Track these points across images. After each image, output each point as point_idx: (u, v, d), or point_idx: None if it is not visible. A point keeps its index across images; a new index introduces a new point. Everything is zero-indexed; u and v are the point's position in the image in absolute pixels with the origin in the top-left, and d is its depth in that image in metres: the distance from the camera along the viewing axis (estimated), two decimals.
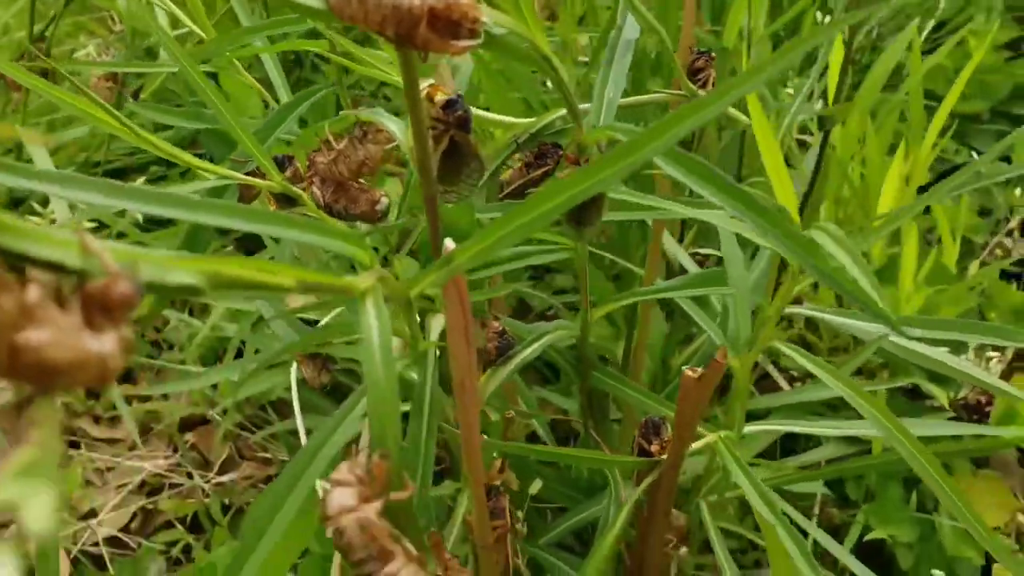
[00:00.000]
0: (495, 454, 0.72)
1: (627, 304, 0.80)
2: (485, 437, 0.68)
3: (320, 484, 0.41)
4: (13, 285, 0.25)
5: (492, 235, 0.49)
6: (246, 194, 0.72)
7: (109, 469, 1.20)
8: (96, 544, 1.07)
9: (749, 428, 0.85)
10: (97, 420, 1.26)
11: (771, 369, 1.10)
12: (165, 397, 1.25)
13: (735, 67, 1.09)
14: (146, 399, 1.23)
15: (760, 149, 0.55)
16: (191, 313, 1.29)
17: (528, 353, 0.72)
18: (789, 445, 1.14)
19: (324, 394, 0.97)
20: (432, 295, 0.67)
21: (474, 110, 0.72)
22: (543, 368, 1.23)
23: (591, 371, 0.80)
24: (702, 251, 0.99)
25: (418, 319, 0.62)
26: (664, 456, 0.70)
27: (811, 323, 1.16)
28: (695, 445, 0.74)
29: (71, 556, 1.05)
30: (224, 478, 1.15)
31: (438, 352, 0.62)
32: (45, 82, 0.69)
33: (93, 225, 1.12)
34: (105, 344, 0.27)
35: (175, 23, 1.04)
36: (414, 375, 0.62)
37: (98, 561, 1.05)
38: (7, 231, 0.26)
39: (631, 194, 0.69)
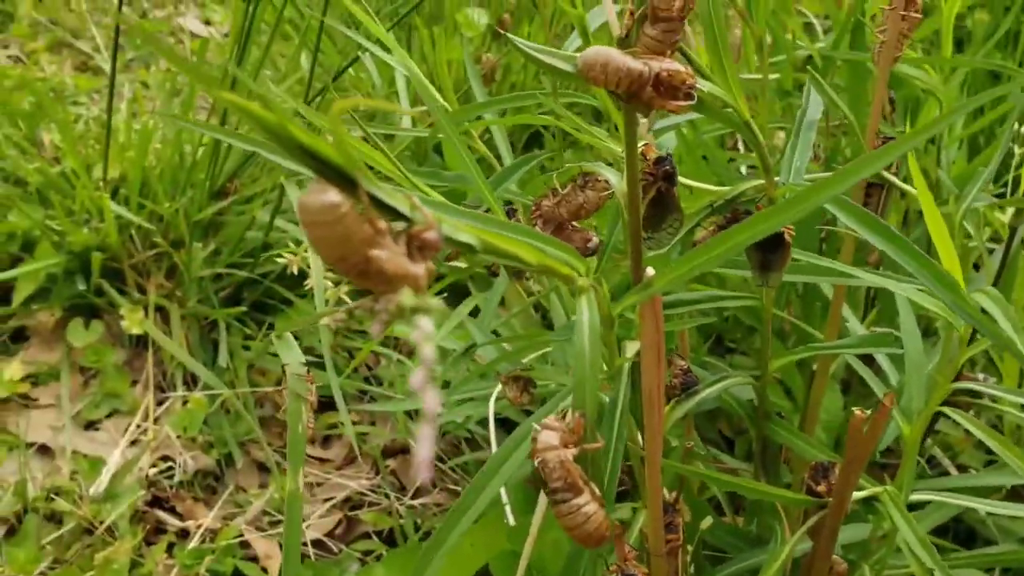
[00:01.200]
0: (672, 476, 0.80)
1: (802, 368, 0.86)
2: (668, 462, 0.76)
3: (533, 426, 0.51)
4: (374, 220, 0.37)
5: (686, 264, 0.59)
6: None
7: (319, 484, 1.34)
8: (304, 544, 1.21)
9: (918, 496, 0.88)
10: (313, 441, 1.41)
11: (938, 452, 1.12)
12: (373, 424, 1.39)
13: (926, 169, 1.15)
14: (355, 423, 1.37)
15: (925, 218, 0.62)
16: (401, 351, 1.44)
17: (710, 392, 0.80)
18: (962, 537, 1.14)
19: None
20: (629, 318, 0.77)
21: (687, 181, 0.83)
22: (720, 440, 1.29)
23: (767, 421, 0.87)
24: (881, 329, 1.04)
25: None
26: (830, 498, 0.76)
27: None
28: (861, 494, 0.79)
29: (282, 550, 1.19)
30: (417, 502, 1.27)
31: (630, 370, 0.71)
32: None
33: None
34: (418, 268, 0.38)
35: (414, 101, 1.21)
36: (605, 398, 0.71)
37: (303, 557, 1.19)
38: (377, 188, 0.38)
39: (812, 256, 0.77)
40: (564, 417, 0.50)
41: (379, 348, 1.45)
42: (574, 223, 0.75)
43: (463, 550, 0.86)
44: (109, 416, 1.36)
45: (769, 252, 0.66)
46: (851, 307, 1.06)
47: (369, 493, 1.30)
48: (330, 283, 1.23)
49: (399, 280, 0.38)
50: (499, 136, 1.04)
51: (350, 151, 0.34)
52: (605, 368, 0.72)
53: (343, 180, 0.36)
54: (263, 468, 1.34)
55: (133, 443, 1.31)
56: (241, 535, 1.19)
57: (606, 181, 0.70)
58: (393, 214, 0.38)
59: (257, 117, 0.32)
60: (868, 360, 1.00)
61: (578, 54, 0.56)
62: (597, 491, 0.49)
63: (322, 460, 1.38)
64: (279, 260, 1.26)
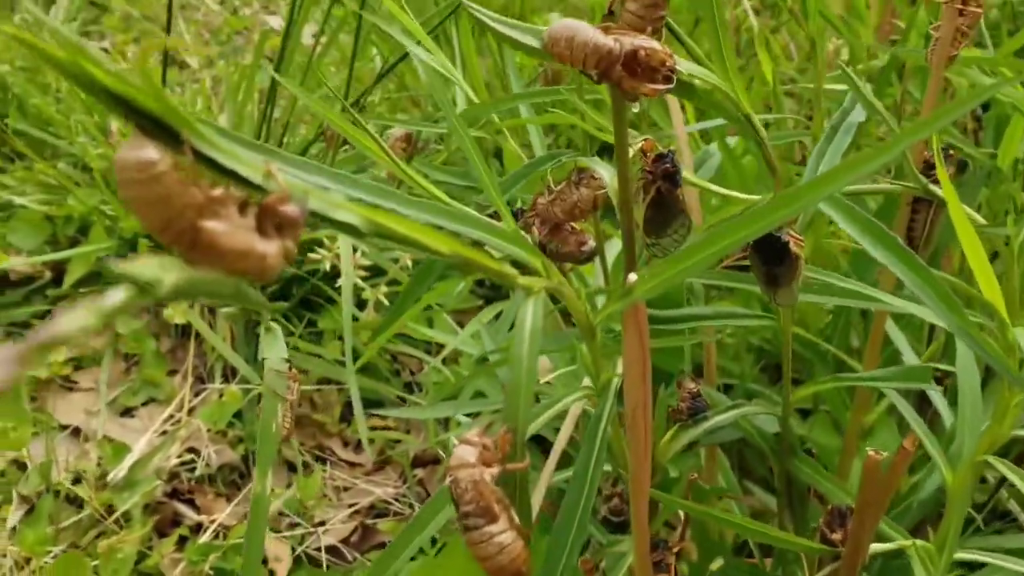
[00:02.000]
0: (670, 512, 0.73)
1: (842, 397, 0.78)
2: (662, 494, 0.69)
3: (451, 439, 0.45)
4: (206, 183, 0.32)
5: (670, 268, 0.52)
6: None
7: (345, 489, 1.31)
8: (318, 549, 1.17)
9: (968, 555, 0.79)
10: (346, 443, 1.38)
11: (1015, 507, 1.01)
12: (408, 431, 1.35)
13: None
14: (388, 429, 1.33)
15: (959, 236, 0.54)
16: (444, 361, 1.39)
17: (721, 420, 0.73)
18: None
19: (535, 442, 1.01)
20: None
21: (714, 187, 0.75)
22: (770, 477, 1.20)
23: (790, 456, 0.79)
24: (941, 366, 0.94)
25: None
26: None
27: None
28: (883, 547, 0.70)
29: (295, 554, 1.15)
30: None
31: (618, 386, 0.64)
32: (355, 129, 0.81)
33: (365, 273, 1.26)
34: (269, 248, 0.33)
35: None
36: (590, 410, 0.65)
37: (315, 563, 1.15)
38: (214, 147, 0.33)
39: (843, 280, 0.69)
40: (486, 430, 0.44)
41: (423, 355, 1.41)
42: (572, 224, 0.69)
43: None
44: (145, 404, 1.36)
45: (774, 264, 0.58)
46: (913, 339, 0.97)
47: (393, 502, 1.26)
48: (359, 281, 1.19)
49: (240, 259, 0.32)
50: (536, 137, 0.98)
51: (168, 100, 0.29)
52: (590, 384, 0.65)
53: (165, 134, 0.31)
54: (292, 468, 1.31)
55: (163, 433, 1.30)
56: None
57: (600, 178, 0.63)
58: (241, 181, 0.33)
59: (48, 55, 0.28)
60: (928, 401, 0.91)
61: (545, 28, 0.50)
62: (517, 519, 0.43)
63: (352, 464, 1.35)
64: (312, 256, 1.24)
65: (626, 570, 0.70)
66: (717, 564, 0.78)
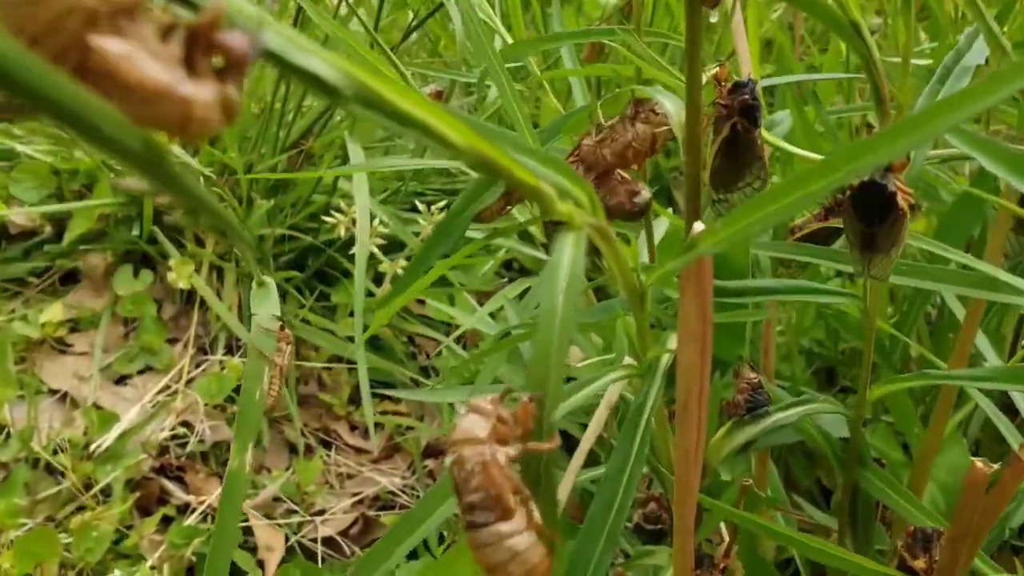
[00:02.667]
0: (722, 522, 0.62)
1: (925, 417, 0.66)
2: (713, 500, 0.58)
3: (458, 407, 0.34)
4: None
5: (747, 216, 0.41)
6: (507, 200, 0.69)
7: (350, 476, 1.20)
8: (315, 540, 1.06)
9: None
10: (353, 428, 1.27)
11: None
12: (421, 418, 1.24)
13: None
14: (399, 414, 1.23)
15: None
16: (464, 345, 1.29)
17: (783, 417, 0.61)
18: None
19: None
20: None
21: (786, 145, 0.64)
22: (815, 490, 1.08)
23: (859, 466, 0.67)
24: None
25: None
26: None
27: None
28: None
29: (288, 543, 1.05)
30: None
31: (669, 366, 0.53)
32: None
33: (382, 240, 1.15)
34: (199, 92, 0.22)
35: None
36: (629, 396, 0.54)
37: (310, 555, 1.05)
38: None
39: (941, 247, 0.57)
40: (504, 399, 0.33)
41: (441, 337, 1.30)
42: (622, 173, 0.58)
43: None
44: (141, 372, 1.26)
45: (874, 222, 0.47)
46: (995, 341, 0.85)
47: (400, 493, 1.15)
48: (376, 251, 1.09)
49: (152, 100, 0.22)
50: (579, 88, 0.87)
51: None
52: (634, 362, 0.54)
53: None
54: (294, 450, 1.21)
55: (157, 404, 1.20)
56: (245, 519, 1.06)
57: (663, 112, 0.52)
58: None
59: None
60: (1011, 412, 0.79)
61: None
62: (537, 515, 0.32)
63: (358, 450, 1.24)
64: (327, 219, 1.13)
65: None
66: None
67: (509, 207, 0.72)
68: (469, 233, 1.25)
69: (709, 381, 0.63)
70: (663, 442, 0.59)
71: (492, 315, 1.10)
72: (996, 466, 0.50)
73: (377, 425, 1.26)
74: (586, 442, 0.62)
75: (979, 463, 0.49)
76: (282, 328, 0.65)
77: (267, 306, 0.65)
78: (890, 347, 0.96)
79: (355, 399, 1.28)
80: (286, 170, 1.39)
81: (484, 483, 0.31)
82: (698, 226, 0.45)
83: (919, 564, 0.56)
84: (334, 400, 1.26)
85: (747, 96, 0.50)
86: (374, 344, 1.29)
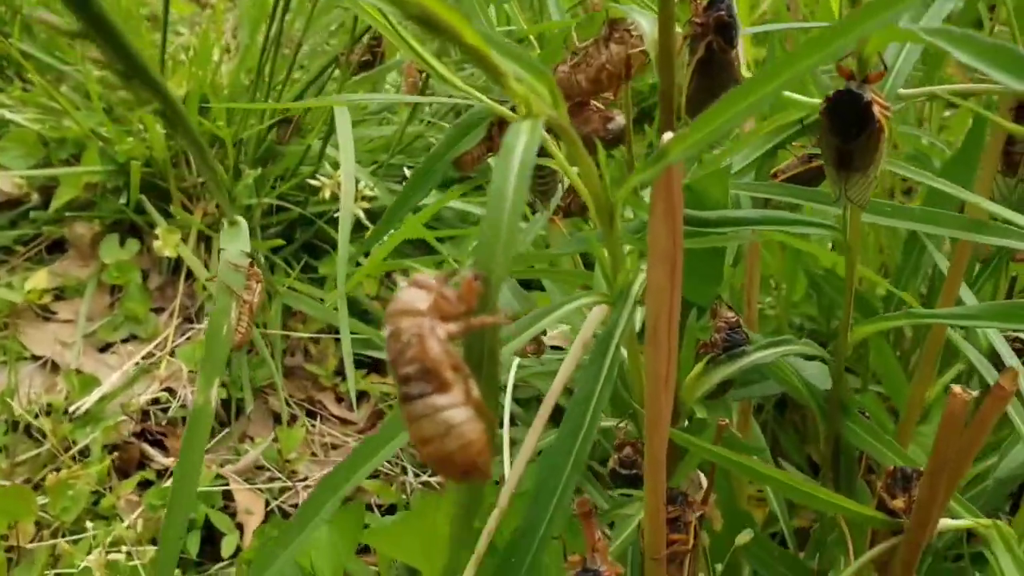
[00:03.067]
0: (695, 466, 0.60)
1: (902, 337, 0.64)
2: (686, 436, 0.56)
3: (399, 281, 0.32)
4: None
5: (713, 120, 0.40)
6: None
7: (334, 447, 1.19)
8: (295, 505, 1.05)
9: None
10: (339, 399, 1.26)
11: None
12: None
13: None
14: (388, 385, 1.21)
15: None
16: None
17: (760, 357, 0.60)
18: None
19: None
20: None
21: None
22: (805, 466, 1.06)
23: (841, 415, 0.66)
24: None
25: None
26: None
27: None
28: (955, 523, 0.57)
29: (268, 507, 1.04)
30: (434, 479, 1.09)
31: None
32: None
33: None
34: None
35: None
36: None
37: (287, 517, 1.03)
38: None
39: (932, 180, 0.56)
40: (450, 280, 0.32)
41: None
42: (599, 105, 0.56)
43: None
44: (126, 341, 1.25)
45: (849, 135, 0.46)
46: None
47: (384, 464, 1.14)
48: (363, 216, 1.07)
49: None
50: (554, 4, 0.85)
51: None
52: (605, 288, 0.53)
53: None
54: (279, 420, 1.20)
55: (140, 369, 1.19)
56: (225, 484, 1.04)
57: (639, 32, 0.51)
58: None
59: None
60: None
61: None
62: (476, 391, 0.30)
63: (344, 421, 1.23)
64: (312, 183, 1.12)
65: (635, 527, 0.58)
66: (745, 537, 0.65)
67: (491, 152, 0.71)
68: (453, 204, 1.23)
69: (682, 321, 0.62)
70: (636, 377, 0.57)
71: None
72: (976, 393, 0.48)
73: (364, 396, 1.25)
74: (555, 387, 0.60)
75: (958, 389, 0.47)
76: (251, 265, 0.63)
77: (237, 243, 0.64)
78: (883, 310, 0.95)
79: (342, 371, 1.27)
80: (275, 142, 1.37)
81: (419, 354, 0.30)
82: (667, 136, 0.44)
83: (898, 504, 0.55)
84: (320, 371, 1.25)
85: (723, 12, 0.48)
86: (362, 316, 1.27)
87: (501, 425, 0.84)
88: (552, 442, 0.49)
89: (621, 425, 0.65)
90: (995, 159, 0.60)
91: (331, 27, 1.49)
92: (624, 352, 0.59)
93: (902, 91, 0.59)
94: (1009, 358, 0.61)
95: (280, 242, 1.28)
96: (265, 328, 1.25)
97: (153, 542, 0.97)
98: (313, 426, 1.20)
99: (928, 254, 0.88)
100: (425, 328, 0.30)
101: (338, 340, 1.29)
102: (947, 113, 1.42)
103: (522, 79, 0.35)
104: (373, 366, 1.26)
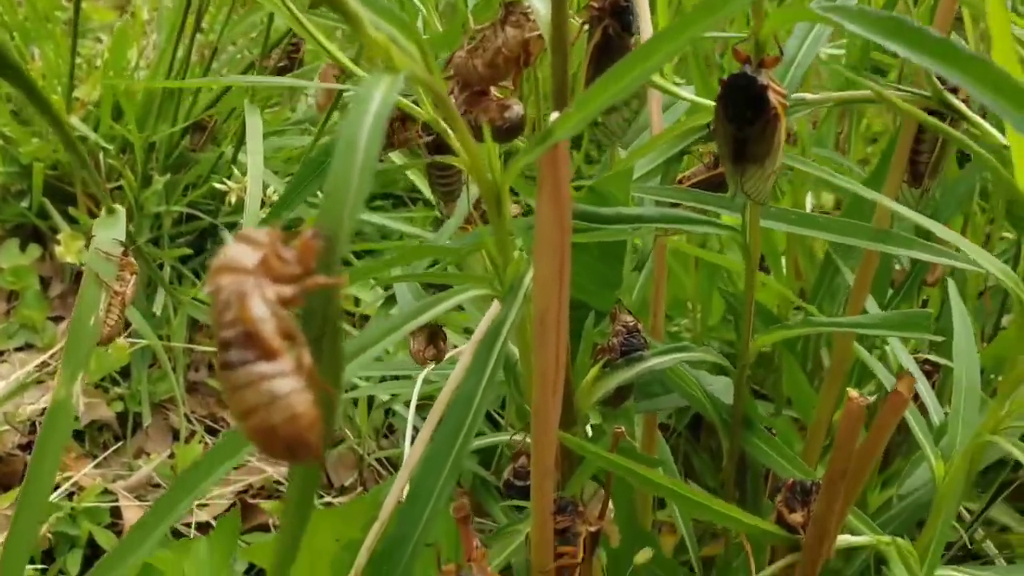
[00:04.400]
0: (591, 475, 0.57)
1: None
2: (578, 440, 0.53)
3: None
4: None
5: (598, 96, 0.38)
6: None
7: (236, 467, 1.14)
8: (188, 524, 1.00)
9: (946, 572, 0.64)
10: None
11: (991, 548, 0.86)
12: None
13: None
14: None
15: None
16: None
17: (659, 362, 0.58)
18: None
19: None
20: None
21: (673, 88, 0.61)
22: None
23: (743, 429, 0.63)
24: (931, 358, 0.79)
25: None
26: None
27: None
28: (853, 540, 0.55)
29: None
30: (336, 500, 1.05)
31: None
32: None
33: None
34: None
35: None
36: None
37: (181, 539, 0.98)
38: None
39: (847, 183, 0.54)
40: (287, 238, 0.29)
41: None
42: (498, 94, 0.54)
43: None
44: (20, 349, 1.19)
45: (744, 123, 0.44)
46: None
47: (286, 483, 1.09)
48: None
49: None
50: None
51: None
52: (497, 282, 0.50)
53: None
54: (177, 437, 1.14)
55: (34, 381, 1.12)
56: (115, 500, 0.99)
57: (532, 16, 0.49)
58: None
59: None
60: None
61: None
62: (308, 361, 0.27)
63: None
64: (218, 187, 1.08)
65: (523, 540, 0.55)
66: (644, 556, 0.62)
67: (390, 147, 0.68)
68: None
69: (577, 328, 0.59)
70: (528, 378, 0.54)
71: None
72: (872, 399, 0.46)
73: None
74: (449, 387, 0.57)
75: (854, 394, 0.45)
76: (125, 253, 0.59)
77: (111, 231, 0.60)
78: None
79: None
80: (188, 149, 1.33)
81: (241, 316, 0.27)
82: (554, 115, 0.42)
83: (796, 518, 0.52)
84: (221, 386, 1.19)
85: None
86: None
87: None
88: (430, 445, 0.46)
89: (519, 437, 0.62)
90: (901, 170, 0.59)
91: (252, 34, 1.45)
92: (516, 352, 0.57)
93: (808, 96, 0.57)
94: (912, 368, 0.59)
95: (187, 251, 1.23)
96: (168, 341, 1.19)
97: (31, 560, 0.91)
98: (214, 443, 1.14)
99: (843, 276, 0.87)
100: (249, 287, 0.27)
101: None
102: (869, 149, 1.43)
103: (381, 28, 0.33)
104: None
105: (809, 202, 1.19)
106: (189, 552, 0.67)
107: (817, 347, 0.95)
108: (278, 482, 1.10)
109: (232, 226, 1.30)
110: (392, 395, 1.00)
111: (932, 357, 0.79)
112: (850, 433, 0.46)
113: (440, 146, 0.68)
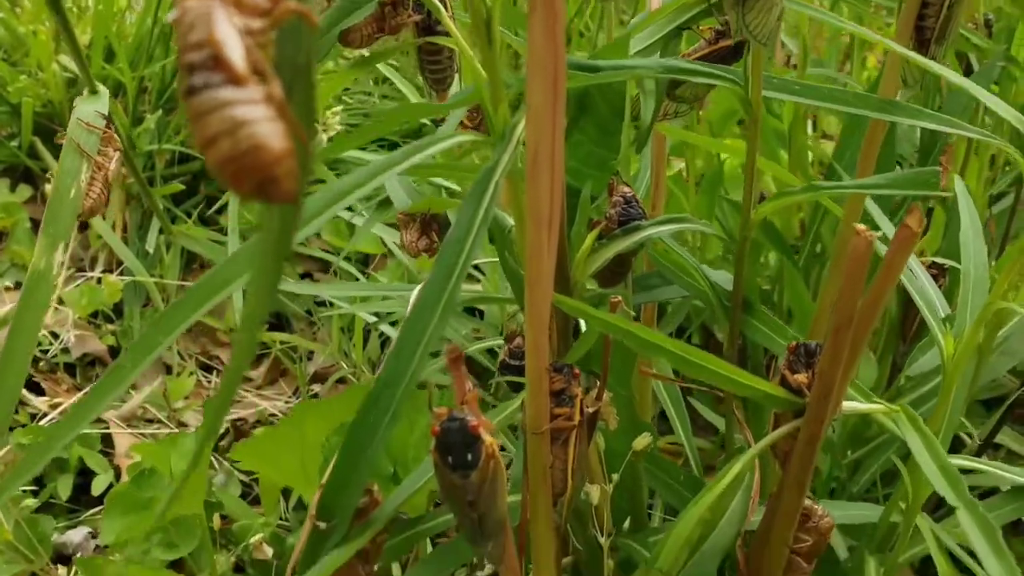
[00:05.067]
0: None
1: None
2: (574, 302, 0.52)
3: None
4: None
5: None
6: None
7: (234, 402, 1.12)
8: None
9: (959, 461, 0.62)
10: None
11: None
12: (311, 355, 1.16)
13: None
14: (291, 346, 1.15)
15: None
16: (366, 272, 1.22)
17: (656, 232, 0.56)
18: None
19: None
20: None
21: None
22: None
23: (743, 312, 0.62)
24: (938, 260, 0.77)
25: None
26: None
27: None
28: (857, 406, 0.53)
29: None
30: None
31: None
32: None
33: None
34: None
35: None
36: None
37: None
38: None
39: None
40: None
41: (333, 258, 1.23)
42: None
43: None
44: (10, 290, 1.17)
45: None
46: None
47: (280, 415, 1.07)
48: None
49: None
50: None
51: None
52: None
53: None
54: (170, 372, 1.12)
55: None
56: (106, 427, 0.97)
57: None
58: None
59: None
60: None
61: None
62: (280, 95, 0.25)
63: (245, 378, 1.16)
64: None
65: (518, 404, 0.53)
66: (643, 442, 0.61)
67: (381, 32, 0.66)
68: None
69: (573, 203, 0.57)
70: (522, 244, 0.52)
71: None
72: (880, 233, 0.44)
73: (264, 354, 1.18)
74: None
75: (861, 227, 0.43)
76: (108, 126, 0.58)
77: (94, 105, 0.58)
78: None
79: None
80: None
81: (206, 37, 0.25)
82: None
83: (800, 379, 0.51)
84: (218, 324, 1.18)
85: None
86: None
87: None
88: (425, 285, 0.44)
89: (512, 315, 0.61)
90: (907, 36, 0.57)
91: None
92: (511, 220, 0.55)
93: None
94: (917, 269, 0.57)
95: (179, 187, 1.22)
96: (161, 278, 1.18)
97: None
98: (208, 380, 1.13)
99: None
100: (216, 9, 0.25)
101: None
102: None
103: None
104: (275, 323, 1.20)
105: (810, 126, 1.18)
106: (175, 445, 0.65)
107: (821, 269, 0.93)
108: (272, 415, 1.08)
109: None
110: (390, 322, 0.98)
111: (939, 259, 0.77)
112: (857, 275, 0.45)
113: (429, 28, 0.66)
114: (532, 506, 0.51)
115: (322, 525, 0.44)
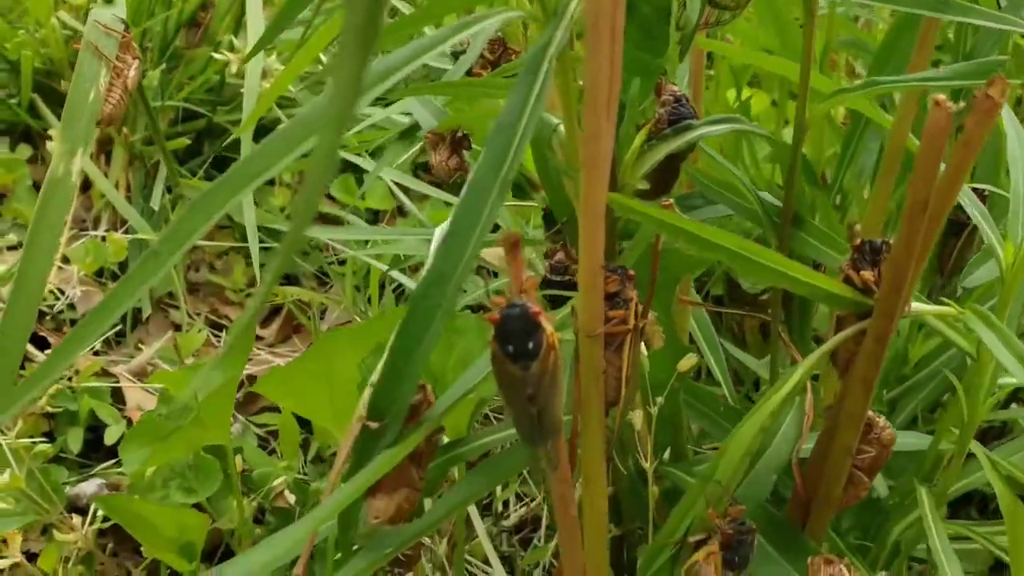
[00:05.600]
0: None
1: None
2: (626, 200, 0.49)
3: None
4: None
5: None
6: None
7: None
8: None
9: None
10: None
11: None
12: (324, 312, 1.13)
13: None
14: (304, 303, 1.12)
15: None
16: None
17: (708, 131, 0.53)
18: None
19: None
20: None
21: None
22: None
23: (794, 226, 0.59)
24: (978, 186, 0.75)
25: None
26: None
27: None
28: (928, 307, 0.51)
29: None
30: None
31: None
32: None
33: None
34: None
35: None
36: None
37: None
38: None
39: None
40: None
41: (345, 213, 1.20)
42: None
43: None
44: (13, 248, 1.14)
45: None
46: None
47: None
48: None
49: None
50: None
51: None
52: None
53: None
54: (179, 330, 1.09)
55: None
56: (116, 381, 0.94)
57: None
58: None
59: None
60: None
61: None
62: None
63: (256, 338, 1.13)
64: (217, 57, 1.03)
65: (568, 310, 0.50)
66: (688, 363, 0.58)
67: None
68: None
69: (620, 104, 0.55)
70: (573, 143, 0.50)
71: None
72: (962, 104, 0.42)
73: (276, 311, 1.15)
74: None
75: (941, 98, 0.41)
76: (126, 30, 0.55)
77: (112, 10, 0.55)
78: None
79: (251, 285, 1.17)
80: (183, 47, 1.28)
81: None
82: None
83: (866, 275, 0.48)
84: (227, 283, 1.15)
85: None
86: (273, 234, 1.18)
87: None
88: (477, 170, 0.42)
89: (551, 233, 0.58)
90: None
91: None
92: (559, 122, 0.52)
93: None
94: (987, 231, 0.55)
95: (185, 141, 1.18)
96: None
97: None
98: (217, 338, 1.10)
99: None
100: None
101: (248, 261, 1.19)
102: None
103: None
104: (285, 279, 1.17)
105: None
106: (197, 373, 0.63)
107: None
108: None
109: (233, 125, 1.25)
110: (403, 268, 0.95)
111: (978, 185, 0.74)
112: (934, 152, 0.42)
113: None
114: (584, 415, 0.48)
115: (373, 425, 0.41)
